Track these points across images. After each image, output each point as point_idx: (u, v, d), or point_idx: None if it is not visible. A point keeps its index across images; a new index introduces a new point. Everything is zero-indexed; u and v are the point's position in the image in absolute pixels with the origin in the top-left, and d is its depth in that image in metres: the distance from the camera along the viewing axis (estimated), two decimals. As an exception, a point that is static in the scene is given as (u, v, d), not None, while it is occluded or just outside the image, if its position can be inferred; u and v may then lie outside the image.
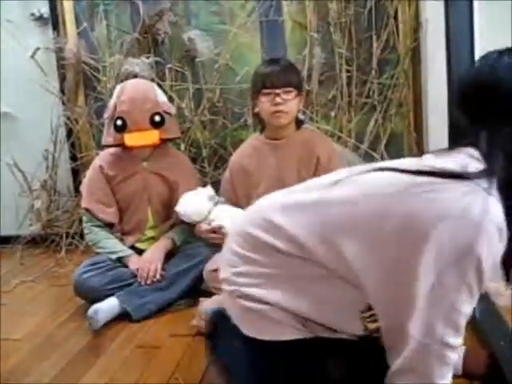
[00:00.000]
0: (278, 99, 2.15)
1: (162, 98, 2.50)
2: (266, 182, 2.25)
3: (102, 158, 2.55)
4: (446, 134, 2.26)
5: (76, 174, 3.31)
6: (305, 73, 2.92)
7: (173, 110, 2.54)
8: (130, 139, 2.38)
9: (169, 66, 3.12)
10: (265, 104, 2.18)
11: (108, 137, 2.47)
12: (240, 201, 2.34)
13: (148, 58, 3.07)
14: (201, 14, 3.11)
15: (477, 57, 2.15)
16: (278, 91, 2.16)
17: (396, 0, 2.85)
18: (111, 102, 2.45)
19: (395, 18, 2.88)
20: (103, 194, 2.49)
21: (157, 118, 2.43)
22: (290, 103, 2.17)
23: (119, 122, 2.39)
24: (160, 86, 2.86)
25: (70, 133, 3.29)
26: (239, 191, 2.36)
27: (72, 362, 1.94)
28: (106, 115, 2.48)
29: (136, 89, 2.44)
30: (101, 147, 2.73)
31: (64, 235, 3.22)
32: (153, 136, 2.41)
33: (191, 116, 3.13)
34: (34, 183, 3.30)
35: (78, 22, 3.20)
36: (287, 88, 2.17)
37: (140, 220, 2.52)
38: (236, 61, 3.08)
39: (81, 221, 2.78)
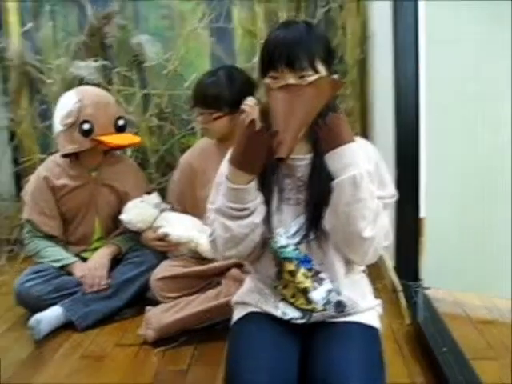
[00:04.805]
0: (203, 118, 2.24)
1: None
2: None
3: (47, 168, 2.43)
4: (392, 143, 2.32)
5: (18, 179, 3.22)
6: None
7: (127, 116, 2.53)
8: (113, 139, 2.31)
9: (116, 70, 3.08)
10: (197, 118, 2.31)
11: (70, 144, 2.32)
12: (187, 201, 2.34)
13: (95, 61, 3.01)
14: (150, 17, 3.08)
15: (421, 69, 2.23)
16: (202, 111, 2.24)
17: (344, 11, 2.90)
18: (70, 108, 2.30)
19: (343, 29, 2.93)
20: (47, 206, 2.40)
21: (121, 122, 2.39)
22: (217, 123, 2.23)
23: (86, 126, 2.29)
24: (107, 90, 2.81)
25: (12, 136, 3.20)
26: (186, 191, 2.35)
27: (13, 373, 1.87)
28: (66, 121, 2.29)
29: (98, 93, 2.40)
30: (49, 153, 2.65)
31: (5, 242, 3.12)
32: (133, 137, 2.43)
33: (138, 121, 3.09)
34: (-26, 187, 3.19)
35: (22, 22, 3.11)
36: (211, 110, 2.21)
37: (86, 232, 2.46)
38: (185, 67, 3.07)
39: (22, 227, 2.69)
